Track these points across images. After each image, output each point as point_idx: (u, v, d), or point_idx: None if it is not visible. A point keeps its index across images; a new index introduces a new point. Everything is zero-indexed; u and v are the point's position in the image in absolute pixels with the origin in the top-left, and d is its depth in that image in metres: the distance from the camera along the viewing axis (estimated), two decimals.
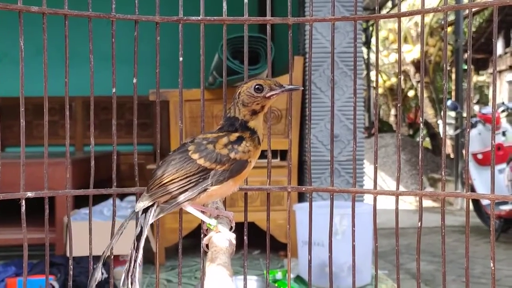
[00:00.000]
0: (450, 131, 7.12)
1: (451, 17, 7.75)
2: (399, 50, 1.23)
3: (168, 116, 3.38)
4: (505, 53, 10.23)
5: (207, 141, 1.00)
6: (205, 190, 0.98)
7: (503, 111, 5.06)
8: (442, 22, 10.53)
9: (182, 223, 1.20)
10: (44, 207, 1.09)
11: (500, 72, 10.25)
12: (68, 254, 1.21)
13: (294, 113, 3.37)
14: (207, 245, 1.00)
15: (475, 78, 13.03)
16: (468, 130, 1.06)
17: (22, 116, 1.05)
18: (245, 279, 1.19)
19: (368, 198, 3.51)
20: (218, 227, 1.00)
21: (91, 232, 1.15)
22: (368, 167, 6.62)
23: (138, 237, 0.96)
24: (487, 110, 5.18)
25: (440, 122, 10.09)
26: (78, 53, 2.96)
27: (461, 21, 7.10)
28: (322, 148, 3.41)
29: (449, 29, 8.29)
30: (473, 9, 1.06)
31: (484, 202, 4.76)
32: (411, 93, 13.15)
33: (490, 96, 11.64)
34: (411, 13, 1.16)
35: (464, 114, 5.60)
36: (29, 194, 1.07)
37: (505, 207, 4.49)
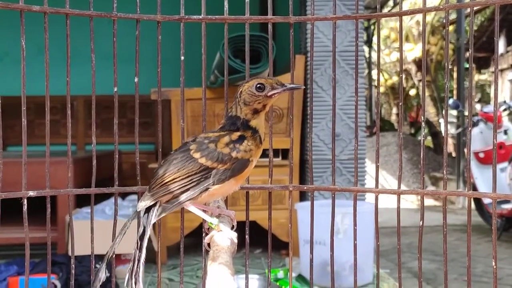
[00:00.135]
0: (452, 130, 7.11)
1: (453, 16, 7.74)
2: (400, 49, 1.23)
3: (169, 115, 3.38)
4: (507, 51, 10.21)
5: (208, 140, 1.00)
6: (206, 189, 0.98)
7: (504, 109, 5.05)
8: (444, 21, 10.51)
9: (184, 222, 1.20)
10: (46, 206, 1.09)
11: (502, 70, 10.23)
12: (70, 253, 1.21)
13: (296, 112, 3.37)
14: (208, 244, 1.00)
15: (476, 77, 13.01)
16: (469, 128, 1.06)
17: (23, 115, 1.05)
18: (246, 278, 1.19)
19: (369, 197, 3.51)
20: (220, 226, 1.00)
21: (93, 231, 1.15)
22: (369, 166, 6.62)
23: (141, 237, 0.96)
24: (489, 108, 5.17)
25: (441, 120, 10.08)
26: (80, 52, 2.96)
27: (462, 19, 7.09)
28: (323, 147, 3.41)
29: (451, 27, 8.28)
30: (475, 8, 1.06)
31: (486, 201, 4.76)
32: (412, 92, 13.14)
33: (492, 94, 11.63)
34: (412, 12, 1.16)
35: (466, 113, 5.60)
36: (31, 193, 1.07)
37: (507, 206, 4.48)
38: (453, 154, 8.16)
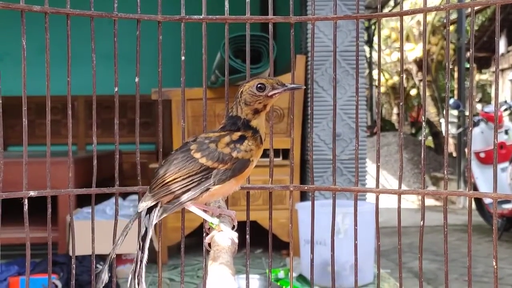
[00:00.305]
0: (453, 130, 7.11)
1: (454, 16, 7.74)
2: (401, 49, 1.23)
3: (170, 115, 3.38)
4: (508, 51, 10.21)
5: (209, 140, 1.00)
6: (207, 189, 0.98)
7: (505, 109, 5.05)
8: (445, 21, 10.51)
9: (185, 222, 1.20)
10: (47, 206, 1.09)
11: (503, 70, 10.23)
12: (70, 253, 1.21)
13: (296, 112, 3.36)
14: (209, 244, 1.00)
15: (477, 77, 13.00)
16: (470, 128, 1.06)
17: (24, 115, 1.05)
18: (247, 278, 1.19)
19: (370, 197, 3.51)
20: (220, 226, 1.00)
21: (93, 231, 1.15)
22: (370, 166, 6.62)
23: (143, 238, 0.96)
24: (490, 108, 5.17)
25: (442, 120, 10.08)
26: (80, 52, 2.96)
27: (463, 19, 7.09)
28: (324, 147, 3.41)
29: (452, 27, 8.28)
30: (476, 8, 1.06)
31: (487, 200, 4.75)
32: (413, 92, 13.14)
33: (493, 94, 11.64)
34: (413, 12, 1.16)
35: (467, 113, 5.59)
36: (32, 193, 1.07)
37: (508, 206, 4.48)
38: (454, 154, 8.15)
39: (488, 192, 1.05)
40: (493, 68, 11.20)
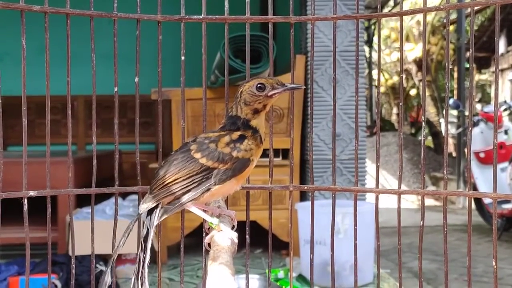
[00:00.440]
0: (452, 130, 7.11)
1: (453, 16, 7.75)
2: (401, 49, 1.23)
3: (170, 115, 3.38)
4: (507, 51, 10.21)
5: (209, 140, 1.00)
6: (208, 189, 0.98)
7: (505, 109, 5.05)
8: (444, 21, 10.50)
9: (184, 222, 1.20)
10: (47, 206, 1.09)
11: (502, 70, 10.23)
12: (70, 253, 1.22)
13: (296, 112, 3.36)
14: (209, 244, 1.00)
15: (477, 77, 13.01)
16: (470, 128, 1.06)
17: (24, 115, 1.05)
18: (247, 278, 1.19)
19: (370, 197, 3.51)
20: (220, 226, 1.00)
21: (93, 231, 1.15)
22: (370, 166, 6.62)
23: (145, 239, 0.96)
24: (489, 108, 5.17)
25: (442, 120, 10.08)
26: (80, 52, 2.96)
27: (463, 19, 7.09)
28: (324, 147, 3.41)
29: (451, 27, 8.28)
30: (475, 8, 1.06)
31: (486, 200, 4.76)
32: (413, 92, 13.14)
33: (492, 94, 11.65)
34: (413, 12, 1.16)
35: (466, 113, 5.59)
36: (32, 193, 1.07)
37: (507, 206, 4.48)
38: (454, 154, 8.15)
39: (487, 192, 1.05)
40: (492, 68, 11.19)
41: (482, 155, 4.90)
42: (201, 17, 1.18)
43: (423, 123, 1.10)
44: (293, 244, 1.19)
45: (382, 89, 14.06)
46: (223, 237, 0.98)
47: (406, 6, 10.80)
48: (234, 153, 0.99)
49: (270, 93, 1.02)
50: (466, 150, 1.41)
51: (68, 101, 1.10)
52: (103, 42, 2.69)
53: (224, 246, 0.94)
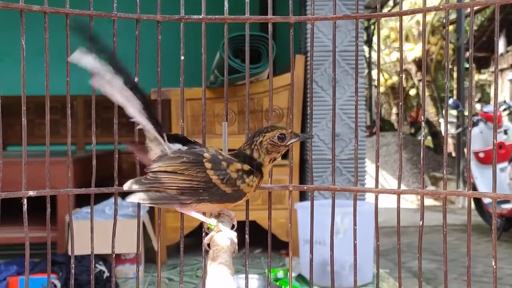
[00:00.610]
0: (452, 130, 7.11)
1: (453, 16, 7.75)
2: (400, 49, 1.23)
3: (169, 115, 3.38)
4: (507, 51, 10.22)
5: (222, 158, 1.00)
6: (198, 201, 0.97)
7: (504, 109, 5.05)
8: (444, 21, 10.51)
9: (184, 222, 1.20)
10: (46, 206, 1.09)
11: (502, 70, 10.24)
12: (70, 253, 1.21)
13: (296, 112, 3.36)
14: (208, 244, 1.00)
15: (476, 77, 13.01)
16: (469, 128, 1.06)
17: (23, 115, 1.05)
18: (246, 278, 1.19)
19: (369, 197, 3.51)
20: (220, 226, 1.00)
21: (92, 231, 1.15)
22: (369, 166, 6.62)
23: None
24: (489, 108, 5.17)
25: (441, 120, 10.09)
26: None
27: (462, 19, 7.10)
28: (323, 146, 3.41)
29: (451, 27, 8.28)
30: (475, 8, 1.06)
31: (486, 200, 4.76)
32: (412, 92, 13.15)
33: (492, 94, 11.64)
34: (412, 12, 1.16)
35: (466, 113, 5.60)
36: (31, 193, 1.07)
37: (507, 206, 4.48)
38: (453, 154, 8.16)
39: (487, 192, 1.05)
40: (492, 68, 11.20)
41: (481, 155, 4.90)
42: (200, 17, 1.18)
43: (423, 123, 1.10)
44: (292, 244, 1.19)
45: (382, 89, 14.06)
46: (222, 237, 0.98)
47: (405, 6, 10.80)
48: (238, 182, 0.99)
49: (288, 143, 1.05)
50: (465, 150, 1.41)
51: (68, 101, 1.10)
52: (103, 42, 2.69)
53: (224, 246, 0.94)
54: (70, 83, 1.12)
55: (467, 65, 7.42)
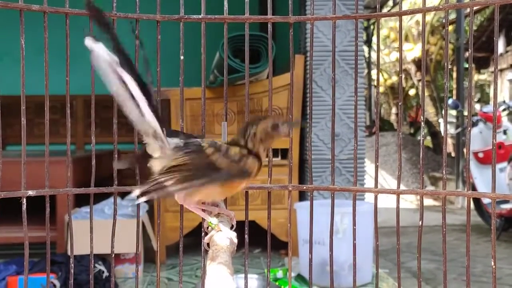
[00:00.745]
0: (451, 130, 7.11)
1: (452, 16, 7.75)
2: (400, 49, 1.23)
3: (169, 115, 3.38)
4: (506, 51, 10.22)
5: (221, 143, 1.01)
6: (205, 183, 0.97)
7: (504, 109, 5.05)
8: (443, 21, 10.51)
9: (183, 222, 1.20)
10: (45, 206, 1.09)
11: (501, 70, 10.24)
12: (69, 253, 1.21)
13: (295, 111, 3.36)
14: (208, 244, 1.00)
15: (476, 77, 13.02)
16: (469, 128, 1.06)
17: (23, 115, 1.05)
18: (246, 278, 1.19)
19: (369, 197, 3.51)
20: (219, 226, 1.00)
21: (92, 231, 1.15)
22: (369, 166, 6.62)
23: None
24: (488, 108, 5.18)
25: (441, 120, 10.09)
26: (79, 51, 2.95)
27: (462, 19, 7.10)
28: (323, 146, 3.41)
29: (450, 27, 8.29)
30: (475, 8, 1.06)
31: (485, 200, 4.76)
32: (412, 92, 13.15)
33: (491, 94, 11.64)
34: (412, 12, 1.16)
35: (465, 113, 5.59)
36: (30, 193, 1.07)
37: (506, 206, 4.49)
38: (453, 154, 8.16)
39: (486, 192, 1.05)
40: (491, 68, 11.20)
41: (481, 155, 4.90)
42: (200, 16, 1.18)
43: (422, 123, 1.10)
44: (292, 244, 1.19)
45: (381, 89, 14.06)
46: (222, 236, 0.98)
47: (405, 6, 10.81)
48: (242, 160, 0.99)
49: (281, 132, 1.04)
50: (465, 150, 1.41)
51: (67, 101, 1.10)
52: (103, 41, 2.69)
53: (223, 245, 0.94)
54: (69, 83, 1.12)
55: (466, 65, 7.43)
